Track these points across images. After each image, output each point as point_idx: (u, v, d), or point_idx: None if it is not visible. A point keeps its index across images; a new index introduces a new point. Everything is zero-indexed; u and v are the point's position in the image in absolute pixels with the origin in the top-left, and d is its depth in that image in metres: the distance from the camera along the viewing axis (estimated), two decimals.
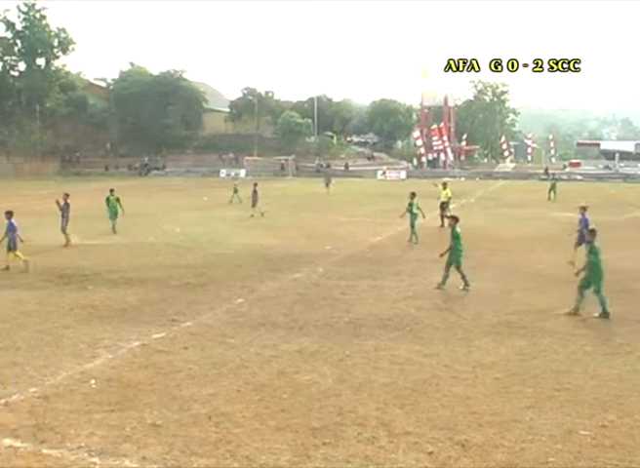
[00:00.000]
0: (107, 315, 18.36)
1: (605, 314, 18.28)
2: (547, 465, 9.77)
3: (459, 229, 21.98)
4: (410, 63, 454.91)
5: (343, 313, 18.58)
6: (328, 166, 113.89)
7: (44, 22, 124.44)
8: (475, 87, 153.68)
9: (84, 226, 35.32)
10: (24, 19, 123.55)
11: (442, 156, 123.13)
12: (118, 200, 37.58)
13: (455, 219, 21.24)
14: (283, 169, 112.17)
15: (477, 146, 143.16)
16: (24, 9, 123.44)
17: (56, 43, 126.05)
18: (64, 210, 31.74)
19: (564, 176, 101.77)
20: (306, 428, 10.95)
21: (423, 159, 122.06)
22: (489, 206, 54.34)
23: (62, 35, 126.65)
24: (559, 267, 25.71)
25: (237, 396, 12.39)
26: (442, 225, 37.07)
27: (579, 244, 26.30)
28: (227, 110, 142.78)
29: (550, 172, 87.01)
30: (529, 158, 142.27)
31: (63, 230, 31.40)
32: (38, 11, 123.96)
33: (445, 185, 39.78)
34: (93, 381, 13.10)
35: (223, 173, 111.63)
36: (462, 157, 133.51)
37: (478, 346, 15.64)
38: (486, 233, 36.09)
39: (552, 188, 60.68)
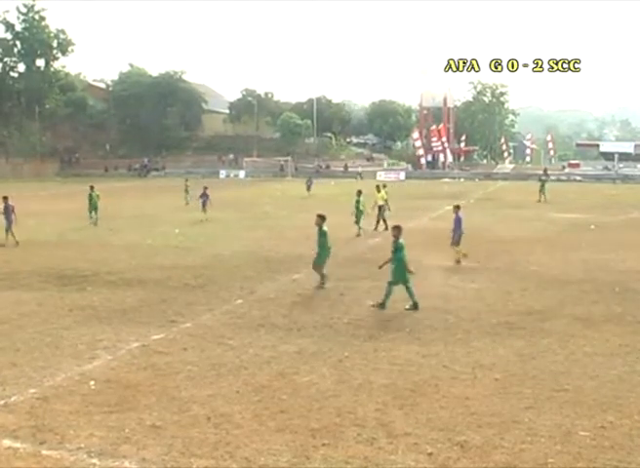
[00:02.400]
0: (106, 316, 18.36)
1: (415, 306, 18.90)
2: (547, 466, 9.77)
3: (325, 227, 22.14)
4: (409, 64, 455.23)
5: (342, 314, 18.58)
6: (327, 167, 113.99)
7: (43, 24, 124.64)
8: (474, 88, 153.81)
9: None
10: (24, 21, 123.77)
11: (441, 157, 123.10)
12: (98, 196, 41.78)
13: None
14: (282, 170, 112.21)
15: (476, 147, 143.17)
16: (24, 10, 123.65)
17: (55, 44, 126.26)
18: (6, 212, 32.31)
19: (563, 177, 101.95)
20: (306, 429, 10.95)
21: (422, 160, 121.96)
22: (488, 207, 54.32)
23: (62, 36, 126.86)
24: (558, 268, 25.75)
25: (236, 397, 12.39)
26: (375, 228, 36.83)
27: (456, 243, 27.13)
28: (227, 111, 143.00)
29: (539, 172, 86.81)
30: (528, 159, 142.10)
31: (8, 231, 32.00)
32: (37, 12, 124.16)
33: (379, 188, 39.13)
34: (92, 382, 13.10)
35: (223, 174, 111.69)
36: (462, 158, 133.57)
37: (477, 347, 15.64)
38: (485, 234, 36.07)
39: (541, 189, 60.46)
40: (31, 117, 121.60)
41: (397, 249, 19.43)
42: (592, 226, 38.87)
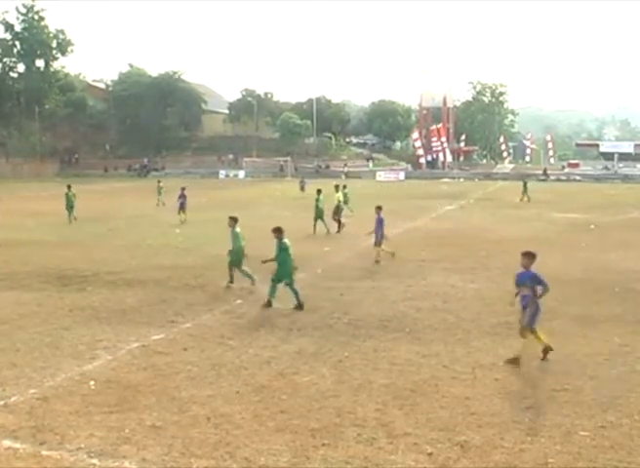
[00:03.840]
0: (106, 316, 18.36)
1: (299, 306, 19.01)
2: (547, 466, 9.77)
3: (238, 229, 22.27)
4: (409, 64, 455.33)
5: (342, 314, 18.58)
6: (327, 167, 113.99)
7: (43, 24, 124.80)
8: (474, 88, 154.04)
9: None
10: (23, 21, 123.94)
11: (441, 157, 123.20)
12: (74, 196, 43.43)
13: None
14: (282, 170, 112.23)
15: (476, 147, 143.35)
16: (23, 10, 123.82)
17: (54, 44, 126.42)
18: None
19: (562, 177, 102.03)
20: (305, 429, 10.95)
21: (422, 160, 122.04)
22: (488, 206, 54.37)
23: (61, 36, 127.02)
24: (558, 268, 25.72)
25: (236, 397, 12.39)
26: (338, 231, 36.75)
27: (378, 243, 27.30)
28: (226, 111, 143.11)
29: (521, 173, 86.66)
30: (527, 159, 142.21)
31: None
32: (37, 12, 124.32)
33: (337, 188, 39.01)
34: (92, 383, 13.10)
35: (223, 174, 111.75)
36: (461, 158, 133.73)
37: (477, 347, 15.65)
38: (485, 234, 36.11)
39: (524, 189, 60.35)
40: (31, 117, 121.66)
41: (282, 249, 19.42)
42: (592, 226, 38.89)
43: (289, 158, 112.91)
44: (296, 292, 19.30)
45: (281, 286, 19.46)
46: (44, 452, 10.17)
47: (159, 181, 57.63)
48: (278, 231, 19.66)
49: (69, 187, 44.04)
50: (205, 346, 15.62)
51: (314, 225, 36.66)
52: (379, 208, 28.04)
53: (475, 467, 9.75)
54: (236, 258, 22.36)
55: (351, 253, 28.84)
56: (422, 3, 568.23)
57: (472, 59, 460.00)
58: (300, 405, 12.00)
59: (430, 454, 10.09)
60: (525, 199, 59.10)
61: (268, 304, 19.32)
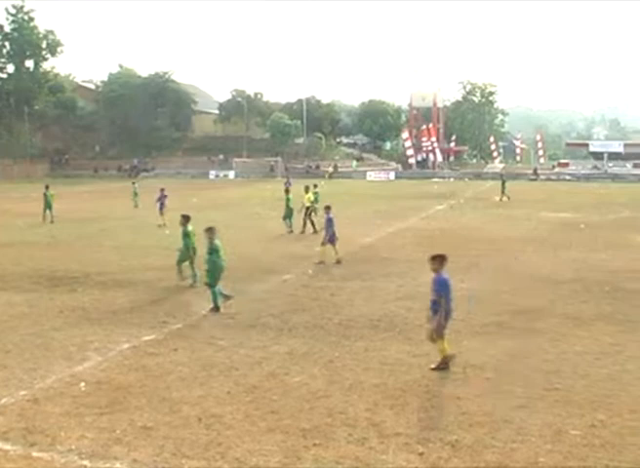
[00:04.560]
0: (97, 317, 18.35)
1: (216, 309, 18.91)
2: (538, 465, 9.79)
3: (190, 227, 22.17)
4: (399, 64, 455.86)
5: (333, 314, 18.59)
6: (317, 167, 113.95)
7: (32, 24, 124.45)
8: (464, 88, 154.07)
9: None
10: (13, 21, 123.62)
11: (431, 157, 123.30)
12: (53, 196, 44.48)
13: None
14: (272, 170, 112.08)
15: (466, 147, 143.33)
16: (13, 11, 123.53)
17: (44, 45, 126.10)
18: None
19: (553, 177, 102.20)
20: (297, 429, 10.96)
21: (412, 160, 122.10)
22: (478, 206, 54.42)
23: (51, 37, 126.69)
24: (548, 268, 25.80)
25: (227, 398, 12.39)
26: (314, 231, 36.26)
27: (330, 242, 27.18)
28: (216, 112, 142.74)
29: (500, 172, 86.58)
30: (517, 158, 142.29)
31: None
32: (27, 13, 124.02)
33: (307, 189, 38.62)
34: (83, 384, 13.08)
35: (213, 174, 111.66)
36: (451, 158, 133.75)
37: (468, 346, 15.66)
38: (475, 233, 36.16)
39: (502, 188, 60.35)
40: (21, 118, 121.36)
41: (212, 250, 19.29)
42: (582, 225, 38.96)
43: (279, 158, 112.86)
44: (214, 295, 19.13)
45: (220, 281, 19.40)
46: (35, 454, 10.16)
47: (133, 183, 57.38)
48: (210, 231, 19.56)
49: (47, 187, 44.96)
50: (196, 347, 15.62)
51: (288, 224, 37.22)
52: (327, 207, 28.06)
53: (466, 466, 9.77)
54: (185, 256, 22.46)
55: (342, 254, 28.81)
56: (412, 3, 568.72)
57: (462, 59, 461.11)
58: (291, 405, 12.01)
59: (421, 454, 10.11)
60: (504, 198, 59.08)
61: (227, 299, 19.38)
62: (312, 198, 37.82)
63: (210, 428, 11.02)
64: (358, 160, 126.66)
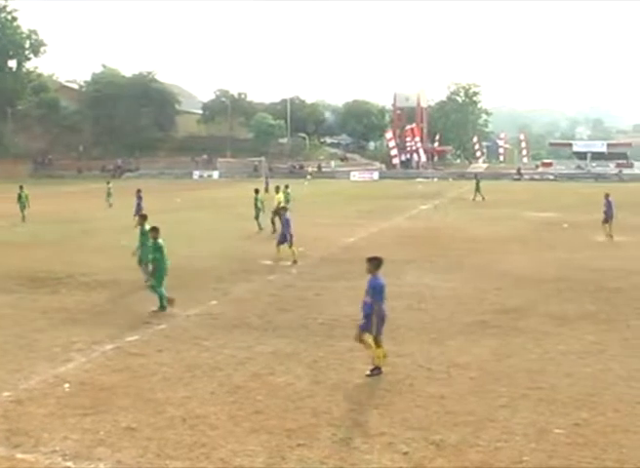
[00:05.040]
0: (81, 318, 18.30)
1: (162, 308, 18.91)
2: (522, 464, 9.81)
3: (161, 241, 20.31)
4: (383, 64, 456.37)
5: (318, 314, 18.60)
6: (301, 167, 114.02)
7: (15, 24, 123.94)
8: (448, 88, 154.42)
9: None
10: None
11: (415, 157, 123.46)
12: (27, 196, 45.10)
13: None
14: (256, 170, 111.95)
15: (450, 147, 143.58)
16: None
17: (27, 45, 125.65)
18: None
19: (536, 176, 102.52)
20: (281, 429, 10.95)
21: (396, 160, 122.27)
22: (462, 206, 54.55)
23: (34, 37, 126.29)
24: (532, 267, 25.87)
25: (211, 398, 12.38)
26: (274, 231, 35.76)
27: (282, 242, 27.31)
28: (200, 112, 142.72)
29: (474, 172, 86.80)
30: (501, 158, 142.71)
31: None
32: (9, 12, 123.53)
33: (278, 189, 38.71)
34: (66, 385, 13.04)
35: (197, 174, 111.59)
36: (435, 158, 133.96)
37: (452, 346, 15.69)
38: (460, 233, 36.24)
39: (477, 189, 60.46)
40: (3, 118, 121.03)
41: (155, 249, 19.41)
42: (565, 225, 39.09)
43: (263, 158, 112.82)
44: (160, 295, 19.15)
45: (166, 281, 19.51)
46: (18, 455, 10.12)
47: (108, 182, 57.17)
48: (154, 231, 19.66)
49: (22, 188, 45.57)
50: (180, 347, 15.59)
51: (258, 223, 37.90)
52: (284, 209, 28.55)
53: (451, 466, 9.78)
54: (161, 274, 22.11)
55: (326, 254, 28.84)
56: (396, 3, 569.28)
57: (446, 59, 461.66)
58: (275, 405, 12.00)
59: (406, 454, 10.11)
60: (479, 198, 59.13)
61: (166, 306, 19.15)
62: (282, 198, 37.82)
63: (194, 429, 11.01)
64: (342, 160, 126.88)
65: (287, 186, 43.49)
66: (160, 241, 19.50)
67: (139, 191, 42.67)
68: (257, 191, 39.39)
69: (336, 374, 13.66)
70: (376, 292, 13.63)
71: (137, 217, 38.99)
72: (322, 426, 11.10)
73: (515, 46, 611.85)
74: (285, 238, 27.17)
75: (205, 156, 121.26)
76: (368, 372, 13.67)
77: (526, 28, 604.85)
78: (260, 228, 37.41)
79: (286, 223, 27.41)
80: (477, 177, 64.15)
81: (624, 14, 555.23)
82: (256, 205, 38.52)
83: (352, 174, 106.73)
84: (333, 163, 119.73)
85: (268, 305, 19.73)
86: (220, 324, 17.71)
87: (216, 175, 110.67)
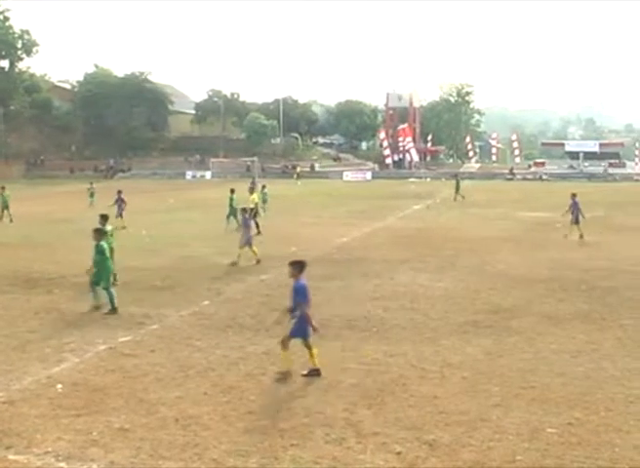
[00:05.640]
0: (73, 319, 18.27)
1: (113, 310, 18.74)
2: (515, 463, 9.82)
3: (105, 244, 19.94)
4: (375, 64, 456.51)
5: (310, 314, 18.56)
6: (293, 167, 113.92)
7: (7, 24, 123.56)
8: (440, 88, 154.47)
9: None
10: None
11: (407, 157, 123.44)
12: (9, 196, 45.32)
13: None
14: (249, 170, 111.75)
15: (442, 147, 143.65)
16: None
17: (19, 45, 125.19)
18: None
19: (529, 176, 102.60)
20: (274, 430, 10.95)
21: (388, 160, 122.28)
22: (455, 206, 54.55)
23: (26, 37, 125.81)
24: (525, 267, 25.90)
25: (204, 398, 12.37)
26: (257, 232, 35.33)
27: (246, 244, 27.15)
28: (193, 112, 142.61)
29: (454, 172, 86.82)
30: (494, 158, 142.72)
31: None
32: (2, 12, 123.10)
33: (252, 190, 38.76)
34: (59, 386, 13.02)
35: (189, 174, 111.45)
36: (428, 158, 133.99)
37: (445, 346, 15.70)
38: (452, 233, 36.27)
39: (457, 189, 60.47)
40: None
41: (97, 251, 19.27)
42: (558, 225, 39.09)
43: (255, 158, 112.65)
44: (111, 296, 18.98)
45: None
46: (11, 457, 10.10)
47: (91, 183, 57.03)
48: (97, 233, 19.58)
49: (3, 188, 45.64)
50: (173, 348, 15.58)
51: (230, 222, 38.14)
52: (244, 210, 28.54)
53: (444, 466, 9.79)
54: (107, 277, 21.94)
55: (319, 254, 28.82)
56: (388, 3, 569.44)
57: (439, 59, 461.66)
58: (268, 405, 12.01)
59: (399, 453, 10.12)
60: (459, 197, 59.10)
61: (96, 308, 19.05)
62: (257, 199, 37.82)
63: (187, 429, 11.00)
64: (335, 160, 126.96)
65: (264, 187, 43.62)
66: (103, 243, 19.38)
67: (119, 192, 42.10)
68: (232, 191, 39.95)
69: (328, 374, 13.64)
70: (299, 294, 13.55)
71: (120, 218, 39.14)
72: (315, 426, 11.10)
73: (508, 46, 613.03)
74: (247, 239, 27.11)
75: (198, 156, 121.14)
76: (305, 372, 13.58)
77: (519, 28, 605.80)
78: (227, 228, 37.58)
79: (245, 224, 27.47)
80: (457, 177, 64.11)
81: (617, 14, 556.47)
82: (230, 204, 38.82)
83: (345, 174, 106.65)
84: (317, 165, 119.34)
85: (261, 305, 19.72)
86: (213, 324, 17.70)
87: (208, 175, 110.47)
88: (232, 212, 38.41)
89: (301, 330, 13.58)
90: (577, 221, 34.06)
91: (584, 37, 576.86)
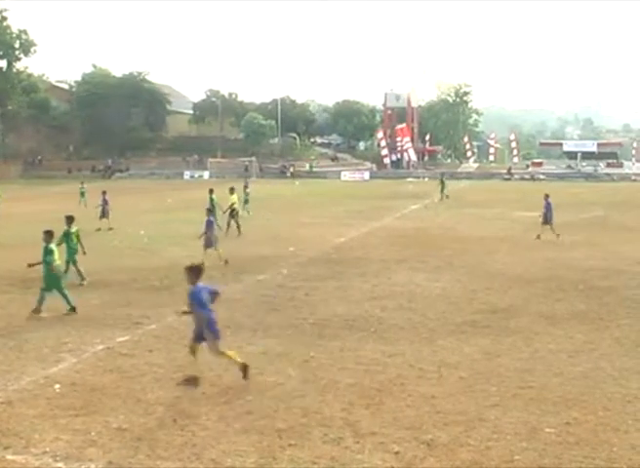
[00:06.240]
0: (71, 319, 18.25)
1: (72, 309, 18.87)
2: (513, 463, 9.82)
3: (52, 246, 19.59)
4: (373, 64, 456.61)
5: (308, 314, 18.58)
6: (290, 167, 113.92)
7: (5, 24, 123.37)
8: (438, 88, 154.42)
9: None
10: None
11: (405, 157, 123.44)
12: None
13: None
14: (247, 170, 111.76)
15: (440, 147, 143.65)
16: None
17: (17, 45, 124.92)
18: None
19: (526, 176, 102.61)
20: (272, 430, 10.94)
21: (386, 160, 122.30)
22: (452, 206, 54.52)
23: (24, 37, 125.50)
24: (522, 267, 25.90)
25: (202, 398, 12.37)
26: (225, 232, 35.16)
27: (207, 246, 27.01)
28: (191, 112, 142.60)
29: (440, 172, 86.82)
30: (492, 158, 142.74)
31: None
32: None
33: (232, 191, 38.36)
34: (57, 386, 13.02)
35: (187, 174, 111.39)
36: (426, 157, 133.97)
37: (443, 346, 15.70)
38: (450, 233, 36.30)
39: (442, 189, 60.47)
40: None
41: (46, 253, 18.99)
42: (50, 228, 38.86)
43: (254, 158, 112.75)
44: (65, 296, 18.94)
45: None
46: (9, 457, 10.09)
47: (82, 182, 56.93)
48: (47, 234, 19.38)
49: None
50: (170, 348, 15.56)
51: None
52: (209, 210, 28.37)
53: (442, 465, 9.79)
54: (71, 258, 22.92)
55: (316, 254, 28.83)
56: (386, 3, 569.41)
57: (437, 59, 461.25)
58: (266, 405, 11.99)
59: (397, 453, 10.12)
60: (444, 198, 59.02)
61: (36, 311, 18.72)
62: (236, 199, 37.59)
63: (185, 429, 11.00)
64: (333, 160, 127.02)
65: (246, 187, 43.64)
66: (52, 246, 19.22)
67: (104, 193, 41.46)
68: (211, 191, 39.11)
69: (326, 374, 13.65)
70: (194, 300, 13.18)
71: (103, 220, 39.01)
72: (313, 426, 11.10)
73: (506, 46, 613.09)
74: (210, 241, 26.98)
75: (196, 156, 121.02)
76: (181, 381, 13.16)
77: (516, 28, 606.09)
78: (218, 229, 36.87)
79: (209, 226, 27.28)
80: (442, 177, 64.19)
81: (615, 14, 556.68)
82: (211, 205, 37.37)
83: (343, 173, 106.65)
84: (308, 165, 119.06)
85: (259, 305, 19.73)
86: None
87: (206, 175, 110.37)
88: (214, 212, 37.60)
89: (201, 334, 13.17)
90: (546, 222, 33.95)
91: (583, 37, 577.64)
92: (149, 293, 21.55)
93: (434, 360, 14.59)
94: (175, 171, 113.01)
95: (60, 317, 18.46)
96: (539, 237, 33.33)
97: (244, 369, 13.21)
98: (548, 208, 34.32)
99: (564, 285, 22.48)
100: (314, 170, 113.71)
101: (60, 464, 9.85)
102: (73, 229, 22.57)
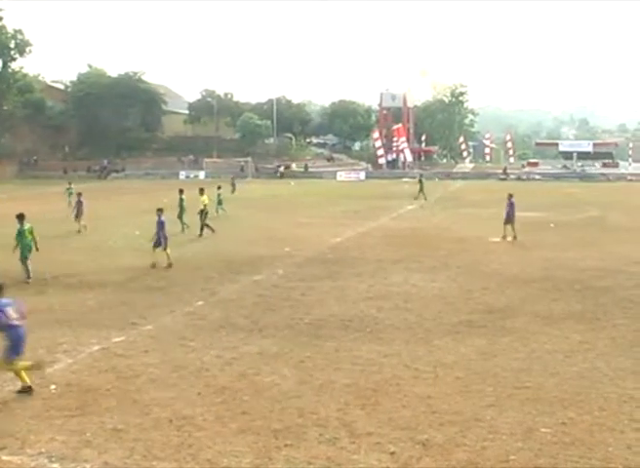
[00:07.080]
0: (66, 319, 18.24)
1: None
2: (508, 463, 9.83)
3: (26, 227, 24.99)
4: (369, 64, 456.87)
5: (304, 314, 18.59)
6: (287, 167, 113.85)
7: (0, 24, 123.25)
8: (434, 88, 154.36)
9: None
10: None
11: (401, 157, 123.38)
12: None
13: (20, 217, 25.05)
14: (243, 170, 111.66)
15: (436, 147, 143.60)
16: None
17: (12, 45, 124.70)
18: None
19: (523, 176, 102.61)
20: (268, 430, 10.95)
21: (382, 160, 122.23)
22: (448, 206, 54.48)
23: (19, 37, 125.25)
24: (518, 267, 25.91)
25: (198, 399, 12.36)
26: (200, 234, 35.87)
27: (159, 245, 26.85)
28: (186, 112, 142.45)
29: (419, 172, 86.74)
30: (487, 158, 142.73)
31: None
32: None
33: (202, 192, 37.79)
34: (53, 386, 13.02)
35: (183, 175, 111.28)
36: (422, 158, 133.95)
37: (439, 346, 15.71)
38: (446, 233, 36.27)
39: (420, 189, 60.39)
40: None
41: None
42: (552, 225, 39.15)
43: (249, 158, 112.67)
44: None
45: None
46: (4, 457, 10.10)
47: (70, 183, 56.73)
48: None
49: None
50: (166, 348, 15.57)
51: (182, 223, 37.39)
52: (159, 210, 27.87)
53: (437, 465, 9.80)
54: (23, 255, 24.55)
55: (312, 254, 28.83)
56: (382, 3, 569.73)
57: (432, 59, 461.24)
58: (262, 406, 11.99)
59: (393, 453, 10.12)
60: (422, 199, 58.91)
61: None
62: (207, 201, 37.44)
63: (181, 430, 10.99)
64: (328, 160, 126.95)
65: (219, 187, 43.66)
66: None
67: (79, 195, 41.14)
68: (181, 191, 38.82)
69: (322, 375, 13.66)
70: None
71: (78, 220, 38.85)
72: (309, 426, 11.10)
73: (502, 46, 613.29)
74: (160, 241, 26.81)
75: (191, 156, 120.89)
76: (19, 389, 12.91)
77: (512, 28, 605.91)
78: (185, 228, 37.07)
79: (160, 226, 27.10)
80: (421, 178, 64.27)
81: (610, 14, 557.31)
82: (180, 205, 37.82)
83: (339, 174, 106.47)
84: (294, 165, 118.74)
85: (255, 306, 19.72)
86: (207, 324, 17.69)
87: (202, 175, 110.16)
88: (181, 213, 37.62)
89: (15, 348, 12.84)
90: (509, 221, 33.95)
91: (578, 37, 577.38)
92: (145, 294, 21.54)
93: (430, 360, 14.60)
94: (170, 171, 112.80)
95: (56, 317, 18.45)
96: (504, 237, 33.33)
97: (25, 388, 12.82)
98: (511, 207, 34.33)
99: (560, 285, 22.50)
100: (310, 170, 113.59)
101: (55, 465, 9.86)
102: (26, 226, 24.37)
